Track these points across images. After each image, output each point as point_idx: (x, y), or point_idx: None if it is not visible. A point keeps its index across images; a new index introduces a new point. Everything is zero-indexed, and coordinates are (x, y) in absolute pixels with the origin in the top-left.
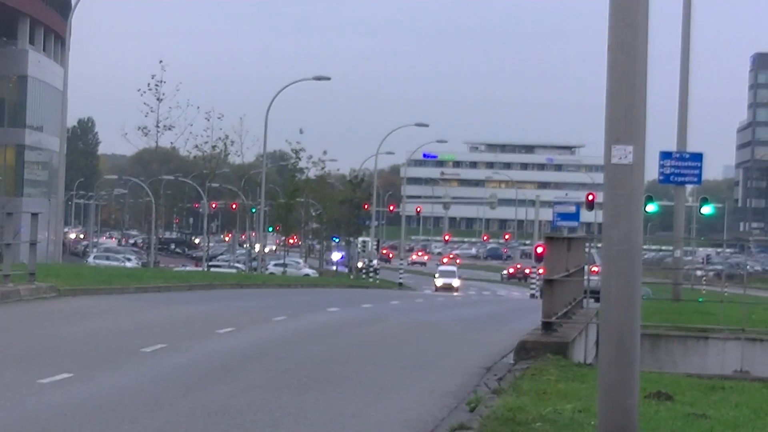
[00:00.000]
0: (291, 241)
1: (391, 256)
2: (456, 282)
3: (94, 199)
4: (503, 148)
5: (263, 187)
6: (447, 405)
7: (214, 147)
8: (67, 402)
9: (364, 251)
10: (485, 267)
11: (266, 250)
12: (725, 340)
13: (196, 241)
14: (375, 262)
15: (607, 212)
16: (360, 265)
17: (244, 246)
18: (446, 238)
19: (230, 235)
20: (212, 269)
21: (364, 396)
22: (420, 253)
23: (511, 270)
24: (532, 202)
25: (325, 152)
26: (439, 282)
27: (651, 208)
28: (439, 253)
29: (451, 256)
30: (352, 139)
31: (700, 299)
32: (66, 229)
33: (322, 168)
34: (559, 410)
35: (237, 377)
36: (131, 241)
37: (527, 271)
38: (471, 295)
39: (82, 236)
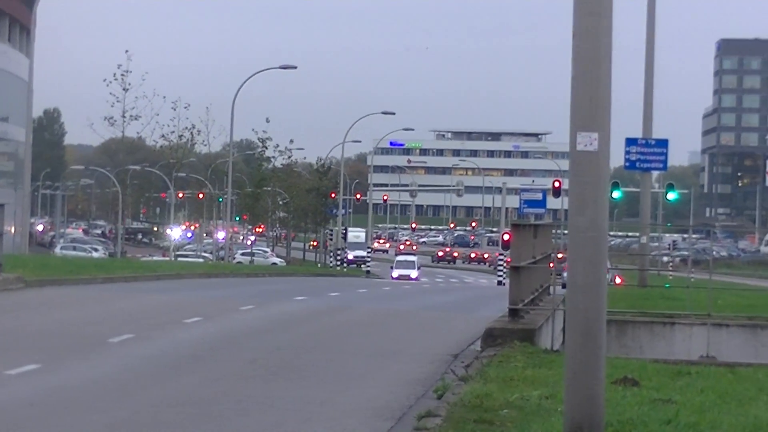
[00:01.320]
0: (258, 230)
1: None
2: (414, 273)
3: (60, 189)
4: (469, 135)
5: (230, 176)
6: (415, 392)
7: (180, 137)
8: (35, 393)
9: (331, 239)
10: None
11: (251, 239)
12: (691, 326)
13: (155, 228)
14: (366, 252)
15: (573, 199)
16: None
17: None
18: (413, 226)
19: (187, 224)
20: (179, 259)
21: (332, 384)
22: (381, 241)
23: (440, 253)
24: (499, 190)
25: (291, 141)
26: (395, 273)
27: (616, 194)
28: (407, 242)
29: (407, 243)
30: (318, 128)
31: (667, 285)
32: (32, 220)
33: (289, 157)
34: (526, 397)
35: (205, 367)
36: (98, 231)
37: (455, 254)
38: (438, 283)
39: (49, 227)
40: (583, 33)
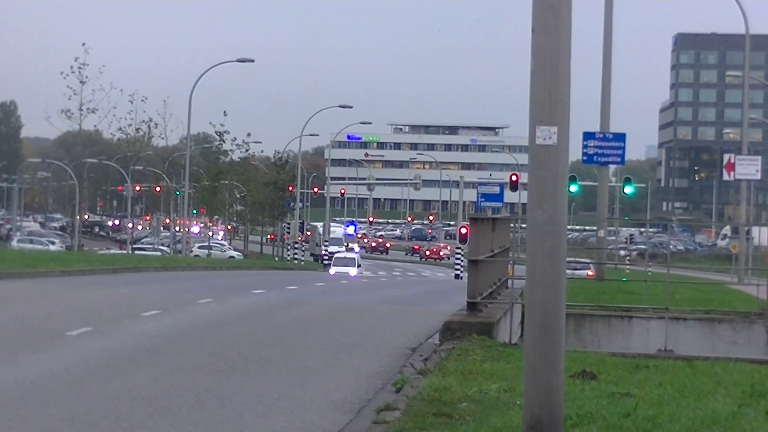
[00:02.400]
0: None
1: None
2: (353, 270)
3: (17, 182)
4: (427, 129)
5: (187, 169)
6: (373, 386)
7: (137, 130)
8: None
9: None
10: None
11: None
12: (649, 319)
13: (112, 223)
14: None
15: (532, 193)
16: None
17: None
18: (370, 219)
19: (149, 217)
20: (137, 252)
21: (290, 378)
22: (310, 233)
23: (374, 243)
24: (456, 183)
25: (249, 134)
26: (333, 270)
27: (573, 188)
28: (364, 235)
29: (360, 237)
30: (276, 121)
31: (624, 279)
32: None
33: (246, 150)
34: (485, 390)
35: (163, 360)
36: (54, 224)
37: (387, 245)
38: (395, 276)
39: (4, 221)
40: (542, 27)
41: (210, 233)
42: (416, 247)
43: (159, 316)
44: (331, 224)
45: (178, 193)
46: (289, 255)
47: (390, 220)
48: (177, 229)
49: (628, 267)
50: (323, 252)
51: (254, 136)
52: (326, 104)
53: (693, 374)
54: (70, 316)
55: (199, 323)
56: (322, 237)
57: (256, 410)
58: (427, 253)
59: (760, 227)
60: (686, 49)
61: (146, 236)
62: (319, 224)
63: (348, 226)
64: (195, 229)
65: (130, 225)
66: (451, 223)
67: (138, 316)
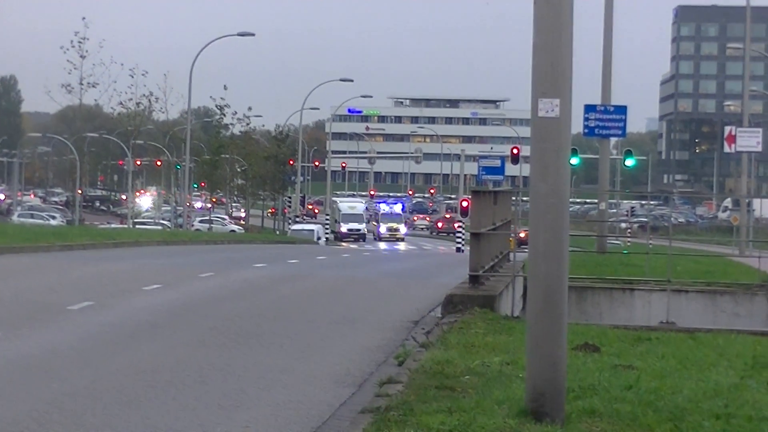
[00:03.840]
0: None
1: (316, 211)
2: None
3: (17, 157)
4: (428, 102)
5: (188, 143)
6: (375, 359)
7: (138, 104)
8: None
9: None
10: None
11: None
12: (651, 292)
13: (123, 197)
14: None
15: (535, 166)
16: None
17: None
18: (372, 193)
19: (142, 192)
20: (138, 226)
21: (293, 352)
22: (311, 207)
23: (440, 224)
24: (457, 157)
25: (250, 108)
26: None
27: (574, 161)
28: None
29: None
30: (277, 95)
31: (625, 251)
32: None
33: (247, 124)
34: (487, 363)
35: (165, 334)
36: (54, 199)
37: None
38: (397, 250)
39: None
40: None
41: (210, 207)
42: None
43: (160, 290)
44: (344, 200)
45: (178, 167)
46: (289, 229)
47: (391, 194)
48: (177, 204)
49: (629, 239)
50: (342, 230)
51: (255, 110)
52: (327, 78)
53: (695, 346)
54: (72, 290)
55: (200, 297)
56: (341, 213)
57: (258, 384)
58: (440, 225)
59: (761, 199)
60: (687, 21)
61: (147, 210)
62: (342, 200)
63: (395, 203)
64: (198, 204)
65: (131, 198)
66: (452, 196)
67: (139, 290)
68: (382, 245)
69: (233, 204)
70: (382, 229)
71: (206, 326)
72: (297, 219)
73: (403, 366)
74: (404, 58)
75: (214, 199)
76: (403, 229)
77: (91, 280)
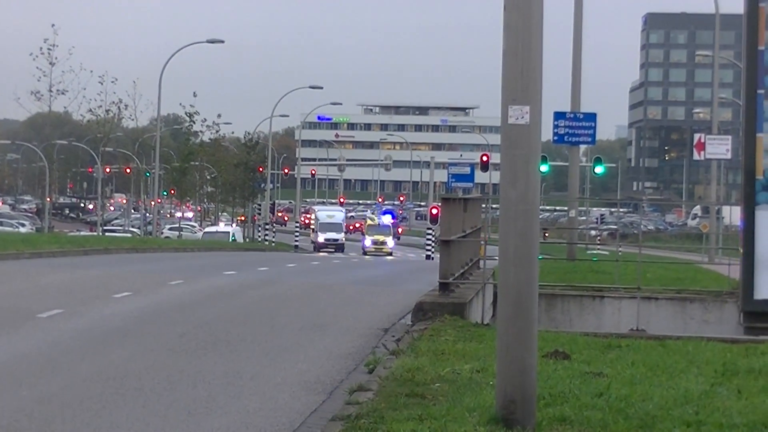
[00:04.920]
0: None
1: (286, 219)
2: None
3: None
4: (397, 109)
5: (158, 150)
6: (346, 366)
7: (107, 111)
8: None
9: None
10: None
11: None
12: (621, 299)
13: (91, 206)
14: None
15: (505, 172)
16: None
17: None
18: (341, 200)
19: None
20: (107, 234)
21: (263, 358)
22: (280, 214)
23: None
24: (427, 164)
25: (219, 115)
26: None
27: (544, 168)
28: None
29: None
30: (246, 102)
31: (594, 258)
32: None
33: (217, 131)
34: (458, 370)
35: (134, 341)
36: (23, 206)
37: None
38: (365, 257)
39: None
40: (513, 5)
41: (181, 214)
42: None
43: (130, 297)
44: (318, 208)
45: (148, 174)
46: (260, 236)
47: (361, 201)
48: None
49: (599, 246)
50: (319, 240)
51: (225, 117)
52: (297, 85)
53: (665, 353)
54: (41, 297)
55: (170, 304)
56: (318, 222)
57: (228, 391)
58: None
59: (730, 207)
60: (656, 28)
61: (116, 218)
62: (322, 208)
63: (384, 213)
64: (189, 214)
65: (101, 206)
66: (422, 203)
67: (109, 297)
68: (368, 258)
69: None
70: (367, 242)
71: (176, 333)
72: (267, 226)
73: (373, 373)
74: (374, 66)
75: (191, 208)
76: (390, 242)
77: (61, 287)
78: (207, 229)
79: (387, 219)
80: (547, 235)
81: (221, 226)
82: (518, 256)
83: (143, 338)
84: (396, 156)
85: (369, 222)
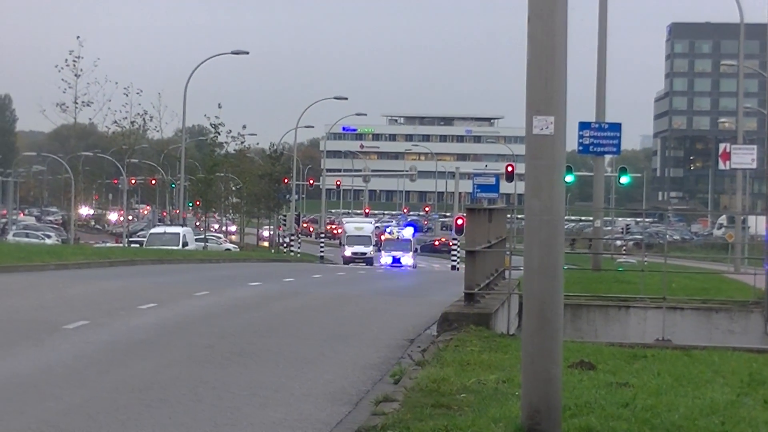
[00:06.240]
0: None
1: (311, 229)
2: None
3: (12, 176)
4: (422, 120)
5: (183, 162)
6: (371, 377)
7: (132, 122)
8: None
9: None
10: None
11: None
12: (646, 309)
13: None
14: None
15: (529, 183)
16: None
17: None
18: (366, 211)
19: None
20: (132, 245)
21: (287, 369)
22: (306, 225)
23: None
24: (452, 174)
25: (244, 126)
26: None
27: (569, 178)
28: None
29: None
30: (271, 113)
31: (620, 268)
32: None
33: (242, 142)
34: (483, 381)
35: (160, 353)
36: (49, 218)
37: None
38: (408, 267)
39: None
40: (537, 16)
41: (217, 226)
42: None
43: (155, 308)
44: (345, 220)
45: (173, 185)
46: (285, 247)
47: (386, 212)
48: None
49: (624, 256)
50: (346, 254)
51: (249, 128)
52: (321, 96)
53: (691, 363)
54: (67, 309)
55: (195, 315)
56: (346, 235)
57: (253, 402)
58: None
59: (756, 216)
60: (681, 38)
61: (141, 229)
62: (350, 219)
63: (405, 227)
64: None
65: (129, 217)
66: (447, 214)
67: (134, 308)
68: (394, 269)
69: (226, 220)
70: (384, 259)
71: (201, 344)
72: (292, 237)
73: (398, 384)
74: (399, 77)
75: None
76: (409, 259)
77: (86, 298)
78: (154, 230)
79: (408, 232)
80: (575, 245)
81: (169, 228)
82: (543, 267)
83: (168, 350)
84: (421, 166)
85: (387, 236)
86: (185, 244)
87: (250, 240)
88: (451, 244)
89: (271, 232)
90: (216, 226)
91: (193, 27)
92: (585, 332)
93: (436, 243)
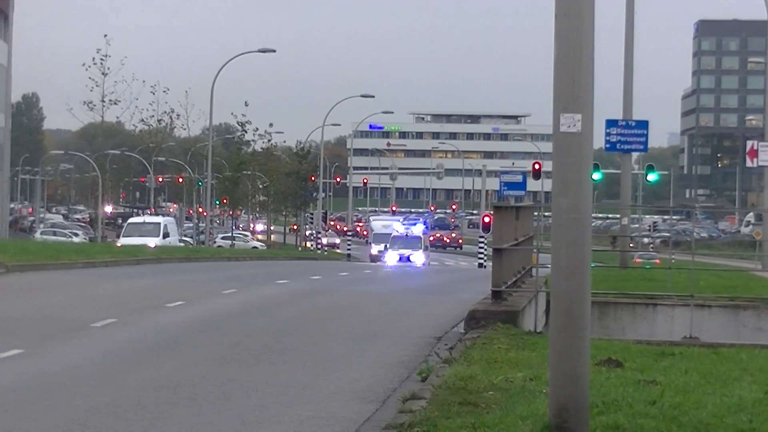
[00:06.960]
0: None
1: (337, 227)
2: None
3: (39, 174)
4: (449, 118)
5: (210, 160)
6: (398, 375)
7: (159, 121)
8: (17, 378)
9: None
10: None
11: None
12: (674, 307)
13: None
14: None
15: (556, 181)
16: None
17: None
18: (393, 209)
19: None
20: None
21: (315, 367)
22: (333, 223)
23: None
24: (479, 172)
25: (271, 125)
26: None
27: (596, 176)
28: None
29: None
30: (298, 111)
31: (648, 266)
32: (12, 205)
33: (269, 140)
34: (511, 379)
35: (187, 351)
36: (76, 216)
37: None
38: (419, 266)
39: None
40: (564, 13)
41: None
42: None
43: (183, 306)
44: (372, 218)
45: (200, 183)
46: (311, 245)
47: (413, 210)
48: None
49: (653, 254)
50: (372, 252)
51: (276, 126)
52: (348, 94)
53: (718, 361)
54: (95, 307)
55: (222, 313)
56: (373, 233)
57: (281, 400)
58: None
59: None
60: (708, 35)
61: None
62: (377, 217)
63: (414, 223)
64: (260, 227)
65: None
66: (474, 212)
67: (162, 307)
68: (422, 267)
69: (254, 218)
70: (390, 257)
71: (228, 342)
72: (319, 234)
73: (426, 382)
74: (425, 74)
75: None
76: (420, 257)
77: (114, 296)
78: (132, 220)
79: (417, 229)
80: (615, 244)
81: (149, 217)
82: (570, 265)
83: (196, 348)
84: (447, 164)
85: (394, 232)
86: (166, 234)
87: (277, 238)
88: (448, 240)
89: (302, 230)
90: (241, 225)
91: (221, 25)
92: (612, 330)
93: (432, 239)
